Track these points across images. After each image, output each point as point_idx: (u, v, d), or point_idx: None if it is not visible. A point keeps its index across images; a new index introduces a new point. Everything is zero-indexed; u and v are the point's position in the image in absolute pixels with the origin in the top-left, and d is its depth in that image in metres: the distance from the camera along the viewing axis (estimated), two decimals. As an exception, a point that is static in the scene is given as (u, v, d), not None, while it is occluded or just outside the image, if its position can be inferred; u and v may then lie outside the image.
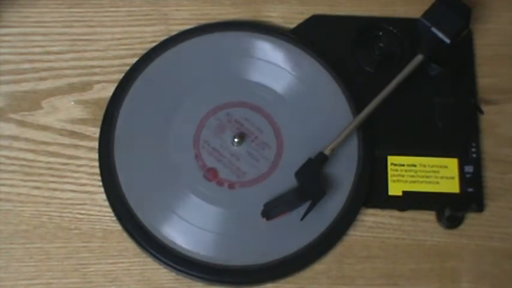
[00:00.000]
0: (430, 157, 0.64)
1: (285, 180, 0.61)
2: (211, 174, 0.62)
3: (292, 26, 0.69)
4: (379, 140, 0.64)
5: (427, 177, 0.63)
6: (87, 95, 0.66)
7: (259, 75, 0.66)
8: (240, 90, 0.65)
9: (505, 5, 0.71)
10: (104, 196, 0.63)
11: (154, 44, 0.68)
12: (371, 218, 0.63)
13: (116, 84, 0.66)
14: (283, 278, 0.61)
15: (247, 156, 0.63)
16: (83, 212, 0.63)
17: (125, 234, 0.62)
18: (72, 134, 0.65)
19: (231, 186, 0.62)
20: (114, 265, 0.61)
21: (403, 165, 0.64)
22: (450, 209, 0.62)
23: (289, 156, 0.63)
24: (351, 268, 0.62)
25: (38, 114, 0.66)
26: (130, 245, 0.62)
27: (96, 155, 0.64)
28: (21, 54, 0.68)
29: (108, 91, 0.66)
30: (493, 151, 0.65)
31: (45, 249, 0.62)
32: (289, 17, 0.70)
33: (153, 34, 0.69)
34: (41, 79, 0.67)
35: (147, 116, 0.64)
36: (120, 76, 0.66)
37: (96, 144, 0.64)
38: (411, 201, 0.63)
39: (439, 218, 0.63)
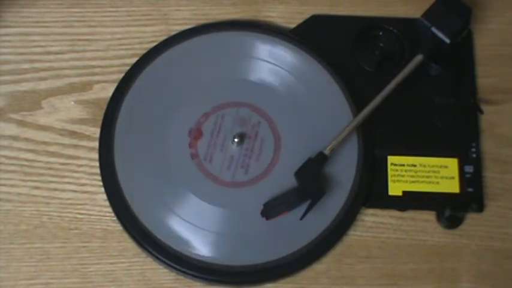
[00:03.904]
0: (430, 157, 0.64)
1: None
2: (196, 133, 0.62)
3: (292, 26, 0.69)
4: (379, 140, 0.64)
5: (427, 177, 0.63)
6: (87, 95, 0.66)
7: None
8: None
9: (505, 5, 0.71)
10: (104, 196, 0.63)
11: (154, 44, 0.68)
12: (371, 218, 0.63)
13: (116, 84, 0.66)
14: (283, 278, 0.61)
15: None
16: (83, 212, 0.63)
17: (125, 234, 0.62)
18: (72, 134, 0.65)
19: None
20: (114, 265, 0.61)
21: (403, 165, 0.64)
22: (450, 209, 0.62)
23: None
24: (351, 268, 0.62)
25: (38, 114, 0.66)
26: (130, 245, 0.62)
27: (96, 155, 0.64)
28: (21, 54, 0.68)
29: (108, 91, 0.66)
30: (493, 151, 0.65)
31: (45, 249, 0.62)
32: (289, 17, 0.70)
33: (153, 34, 0.69)
34: (41, 79, 0.67)
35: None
36: (120, 76, 0.66)
37: (96, 144, 0.64)
38: (411, 201, 0.63)
39: (439, 218, 0.63)
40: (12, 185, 0.63)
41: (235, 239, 0.61)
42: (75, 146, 0.65)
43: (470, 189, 0.63)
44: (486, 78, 0.68)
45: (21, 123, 0.65)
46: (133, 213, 0.61)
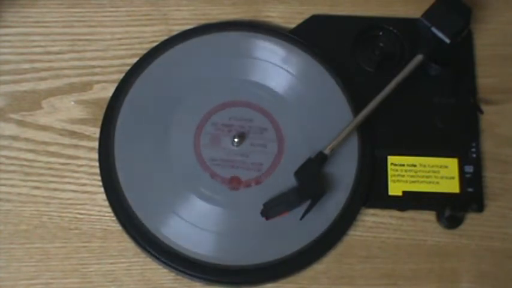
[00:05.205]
0: (430, 157, 0.64)
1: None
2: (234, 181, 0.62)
3: (292, 26, 0.69)
4: (379, 140, 0.64)
5: (427, 177, 0.63)
6: (87, 95, 0.66)
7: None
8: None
9: (505, 5, 0.71)
10: (104, 196, 0.63)
11: (154, 44, 0.68)
12: (371, 218, 0.63)
13: (116, 84, 0.66)
14: (283, 278, 0.61)
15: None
16: (83, 212, 0.63)
17: (125, 234, 0.62)
18: (72, 134, 0.65)
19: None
20: (114, 265, 0.61)
21: (403, 165, 0.64)
22: (450, 209, 0.62)
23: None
24: (351, 268, 0.62)
25: (38, 114, 0.66)
26: (130, 245, 0.62)
27: (96, 155, 0.64)
28: (21, 54, 0.68)
29: (108, 91, 0.66)
30: (493, 151, 0.65)
31: (45, 249, 0.62)
32: (289, 17, 0.70)
33: (153, 34, 0.69)
34: (41, 79, 0.67)
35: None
36: (120, 76, 0.66)
37: (96, 144, 0.64)
38: (411, 201, 0.63)
39: (439, 218, 0.63)
40: (12, 185, 0.63)
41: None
42: (75, 146, 0.65)
43: (470, 189, 0.63)
44: (486, 78, 0.68)
45: (21, 123, 0.65)
46: (134, 213, 0.61)
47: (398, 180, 0.63)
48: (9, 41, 0.68)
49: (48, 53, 0.68)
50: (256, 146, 0.63)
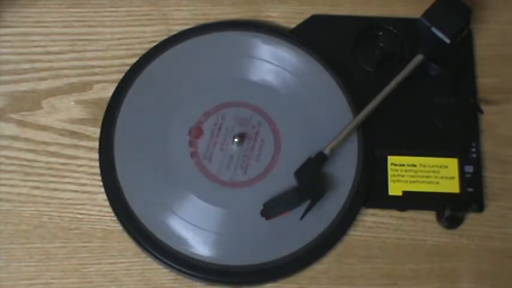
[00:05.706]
0: (430, 157, 0.64)
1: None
2: (196, 132, 0.62)
3: (292, 26, 0.69)
4: (379, 140, 0.64)
5: (427, 177, 0.63)
6: (87, 95, 0.66)
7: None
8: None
9: (505, 5, 0.71)
10: (104, 196, 0.63)
11: (154, 44, 0.68)
12: (371, 218, 0.63)
13: (116, 84, 0.66)
14: (283, 278, 0.61)
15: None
16: (83, 212, 0.63)
17: (125, 234, 0.62)
18: (72, 134, 0.65)
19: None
20: (114, 265, 0.61)
21: (403, 165, 0.64)
22: (450, 209, 0.62)
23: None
24: (351, 268, 0.62)
25: (38, 114, 0.66)
26: (130, 245, 0.62)
27: (96, 155, 0.64)
28: (21, 54, 0.68)
29: (108, 91, 0.66)
30: (493, 151, 0.65)
31: (45, 249, 0.62)
32: (289, 17, 0.70)
33: (153, 34, 0.69)
34: (41, 79, 0.67)
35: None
36: (120, 76, 0.66)
37: (96, 144, 0.64)
38: (411, 201, 0.63)
39: (439, 218, 0.63)
40: (12, 185, 0.63)
41: (235, 239, 0.61)
42: (75, 146, 0.65)
43: (470, 189, 0.63)
44: (486, 78, 0.68)
45: (21, 123, 0.65)
46: (134, 213, 0.61)
47: (398, 180, 0.63)
48: (9, 41, 0.68)
49: (48, 53, 0.68)
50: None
